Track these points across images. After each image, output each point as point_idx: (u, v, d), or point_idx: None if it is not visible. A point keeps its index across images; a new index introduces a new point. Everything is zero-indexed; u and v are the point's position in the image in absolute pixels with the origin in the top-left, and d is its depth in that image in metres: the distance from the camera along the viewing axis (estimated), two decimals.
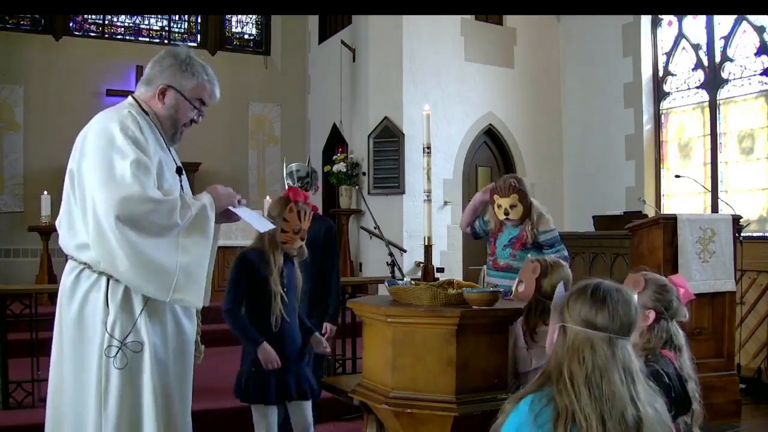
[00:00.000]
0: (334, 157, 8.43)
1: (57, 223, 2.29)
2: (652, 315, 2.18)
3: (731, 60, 6.89)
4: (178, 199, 2.11)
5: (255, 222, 2.43)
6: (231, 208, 2.30)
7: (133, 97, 2.33)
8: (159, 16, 10.03)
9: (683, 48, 7.45)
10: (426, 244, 2.54)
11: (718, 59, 7.02)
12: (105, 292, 2.11)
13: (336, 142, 9.22)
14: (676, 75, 7.55)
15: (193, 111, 2.33)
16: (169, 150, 2.35)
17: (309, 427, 3.08)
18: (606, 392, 1.59)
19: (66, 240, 2.22)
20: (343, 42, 8.51)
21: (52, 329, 2.23)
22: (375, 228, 5.33)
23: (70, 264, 2.21)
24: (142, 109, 2.27)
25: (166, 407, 2.16)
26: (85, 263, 2.15)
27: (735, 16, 6.79)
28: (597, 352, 1.63)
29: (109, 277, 2.12)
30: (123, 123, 2.13)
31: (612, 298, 1.67)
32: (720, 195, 6.84)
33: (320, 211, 3.53)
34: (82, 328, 2.12)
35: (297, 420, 3.09)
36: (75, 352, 2.13)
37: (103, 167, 2.05)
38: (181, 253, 2.10)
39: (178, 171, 2.33)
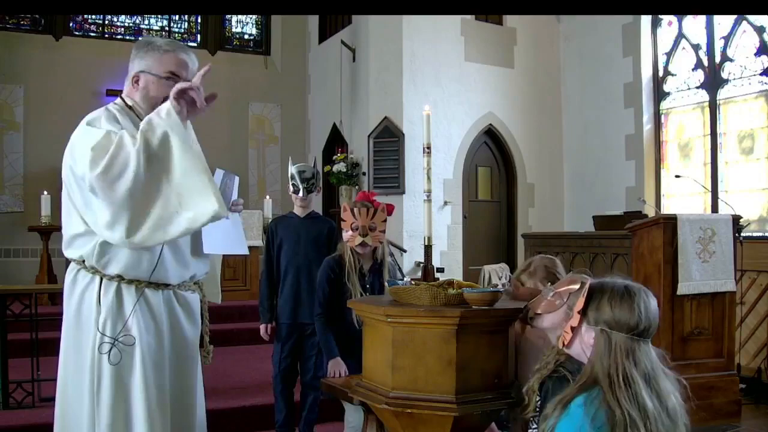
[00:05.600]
0: (334, 157, 8.43)
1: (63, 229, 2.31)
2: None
3: (731, 60, 6.89)
4: (125, 133, 2.04)
5: (233, 241, 2.39)
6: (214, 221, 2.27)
7: (120, 97, 2.35)
8: (159, 16, 10.04)
9: (683, 48, 7.45)
10: (426, 244, 2.54)
11: (718, 59, 7.02)
12: (98, 291, 2.13)
13: (336, 142, 9.23)
14: (676, 75, 7.55)
15: (168, 85, 2.20)
16: None
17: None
18: (658, 390, 1.67)
19: (68, 242, 2.23)
20: (343, 42, 8.52)
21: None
22: None
23: (70, 265, 2.24)
24: (126, 105, 2.29)
25: (161, 407, 2.15)
26: (77, 260, 2.17)
27: (735, 16, 6.79)
28: (647, 355, 1.71)
29: (102, 277, 2.13)
30: (94, 120, 2.16)
31: (651, 306, 1.75)
32: (720, 195, 6.84)
33: (320, 212, 3.58)
34: (79, 327, 2.15)
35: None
36: (73, 350, 2.16)
37: (79, 151, 2.08)
38: (160, 175, 2.01)
39: None
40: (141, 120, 2.24)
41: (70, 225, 2.19)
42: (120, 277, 2.15)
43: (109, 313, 2.11)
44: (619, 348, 1.70)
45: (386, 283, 2.81)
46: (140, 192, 1.98)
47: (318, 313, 3.16)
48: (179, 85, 2.07)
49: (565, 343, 1.86)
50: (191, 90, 2.07)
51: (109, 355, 2.07)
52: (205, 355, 2.42)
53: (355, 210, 3.06)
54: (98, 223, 2.06)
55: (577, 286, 2.18)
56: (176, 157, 2.01)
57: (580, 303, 1.81)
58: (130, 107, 2.29)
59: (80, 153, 2.06)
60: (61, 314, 2.25)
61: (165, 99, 2.23)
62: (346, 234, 3.09)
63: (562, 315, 2.22)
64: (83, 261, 2.17)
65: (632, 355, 1.70)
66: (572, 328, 1.83)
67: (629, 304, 1.73)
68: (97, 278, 2.14)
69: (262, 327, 3.85)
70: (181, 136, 2.03)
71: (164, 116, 2.04)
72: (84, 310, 2.15)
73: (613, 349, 1.70)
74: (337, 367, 3.01)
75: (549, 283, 2.58)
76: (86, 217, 2.12)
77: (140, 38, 2.38)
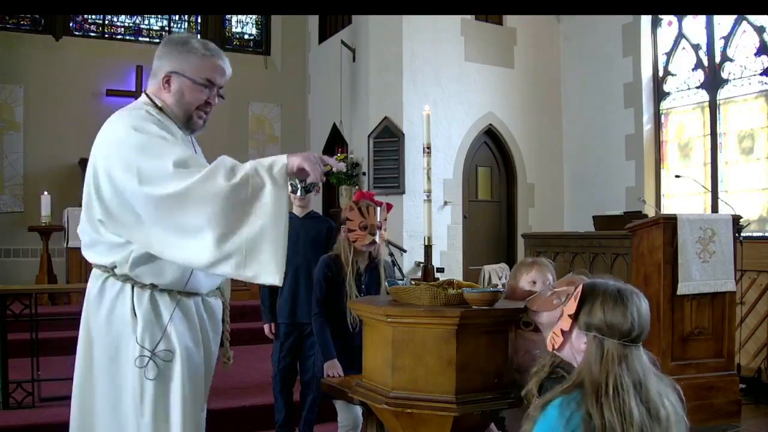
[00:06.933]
0: (334, 157, 8.43)
1: (79, 230, 2.15)
2: None
3: (731, 60, 6.90)
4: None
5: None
6: None
7: (146, 94, 2.20)
8: (159, 16, 10.03)
9: (683, 48, 7.46)
10: (426, 244, 2.54)
11: (718, 59, 7.02)
12: (131, 300, 2.02)
13: (336, 142, 9.23)
14: (676, 75, 7.55)
15: (203, 92, 2.16)
16: (193, 144, 2.24)
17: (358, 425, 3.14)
18: (648, 398, 1.64)
19: (89, 245, 2.09)
20: (343, 42, 8.51)
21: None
22: None
23: (94, 272, 2.11)
24: (156, 105, 2.14)
25: (194, 415, 2.07)
26: (105, 266, 2.05)
27: (735, 16, 6.79)
28: (638, 361, 1.67)
29: (133, 284, 2.03)
30: (141, 125, 2.00)
31: (644, 310, 1.71)
32: (720, 195, 6.84)
33: (320, 212, 3.59)
34: (110, 338, 2.04)
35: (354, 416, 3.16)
36: (106, 364, 2.04)
37: (138, 161, 1.93)
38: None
39: None
40: (176, 123, 2.15)
41: (93, 228, 2.05)
42: (153, 285, 2.05)
43: (147, 323, 2.01)
44: (611, 355, 1.66)
45: (386, 283, 2.79)
46: (215, 224, 1.88)
47: (315, 313, 3.14)
48: (324, 159, 2.04)
49: (556, 346, 1.82)
50: (322, 165, 2.03)
51: (146, 369, 1.98)
52: (226, 361, 2.33)
53: (363, 209, 3.04)
54: (137, 240, 1.97)
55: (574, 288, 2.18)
56: (263, 214, 1.92)
57: (571, 306, 1.76)
58: (159, 108, 2.14)
59: (144, 165, 1.91)
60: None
61: (199, 106, 2.17)
62: (353, 233, 3.05)
63: (558, 314, 2.23)
64: (112, 268, 2.05)
65: (624, 361, 1.66)
66: (563, 332, 1.78)
67: (622, 310, 1.69)
68: (128, 286, 2.03)
69: (266, 327, 3.86)
70: (278, 196, 1.94)
71: (273, 171, 1.95)
72: (116, 320, 2.03)
73: (605, 356, 1.66)
74: (333, 369, 3.00)
75: (552, 279, 2.59)
76: (114, 227, 2.00)
77: (172, 34, 2.27)
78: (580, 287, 1.78)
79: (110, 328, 2.04)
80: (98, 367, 2.05)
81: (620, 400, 1.60)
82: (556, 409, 1.64)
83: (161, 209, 1.90)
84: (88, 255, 2.11)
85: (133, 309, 2.02)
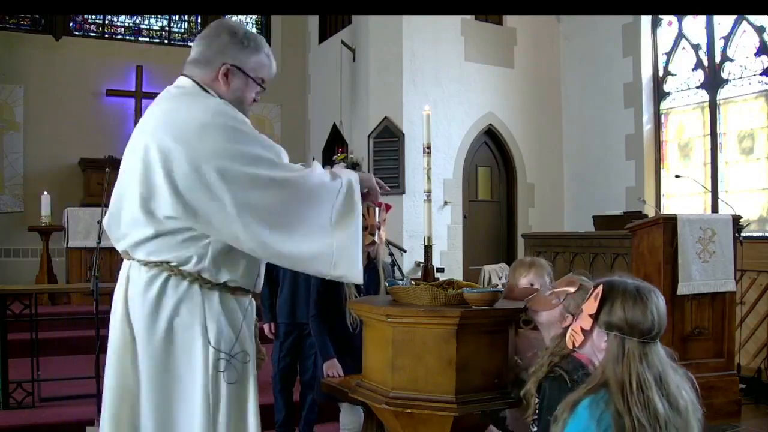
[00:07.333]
0: (334, 157, 8.44)
1: (106, 224, 2.01)
2: (570, 319, 2.16)
3: (731, 60, 6.89)
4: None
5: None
6: None
7: (195, 81, 2.01)
8: (159, 16, 10.04)
9: (683, 48, 7.46)
10: (426, 244, 2.54)
11: (718, 59, 7.02)
12: (201, 302, 1.89)
13: (336, 142, 9.23)
14: (676, 75, 7.55)
15: (256, 89, 2.08)
16: None
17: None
18: (668, 390, 1.68)
19: (142, 241, 1.91)
20: (343, 42, 8.51)
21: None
22: None
23: (145, 273, 1.90)
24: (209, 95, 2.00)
25: (257, 416, 2.00)
26: (168, 264, 1.89)
27: (735, 16, 6.79)
28: (657, 357, 1.71)
29: (201, 284, 1.89)
30: (236, 118, 1.91)
31: (661, 306, 1.75)
32: (720, 195, 6.84)
33: None
34: (174, 344, 1.88)
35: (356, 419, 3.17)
36: (170, 370, 1.89)
37: (236, 151, 1.85)
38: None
39: None
40: None
41: (152, 222, 1.87)
42: (224, 284, 1.93)
43: (221, 325, 1.90)
44: (632, 353, 1.69)
45: (386, 283, 2.81)
46: (321, 221, 1.93)
47: (313, 314, 3.16)
48: (379, 183, 2.18)
49: (576, 344, 1.84)
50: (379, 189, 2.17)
51: (225, 373, 1.88)
52: (262, 358, 2.30)
53: (363, 209, 3.04)
54: (220, 232, 1.86)
55: (573, 288, 2.19)
56: (356, 216, 2.01)
57: (591, 305, 1.79)
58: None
59: (252, 151, 1.85)
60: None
61: (249, 103, 2.12)
62: None
63: (557, 314, 2.23)
64: (178, 265, 1.88)
65: (645, 359, 1.69)
66: (583, 331, 1.81)
67: (642, 309, 1.72)
68: (196, 286, 1.89)
69: (265, 326, 3.87)
70: (358, 207, 2.04)
71: (359, 181, 2.07)
72: (180, 324, 1.88)
73: (627, 355, 1.70)
74: (332, 369, 3.02)
75: (548, 281, 2.59)
76: (191, 221, 1.85)
77: (226, 21, 2.10)
78: (600, 287, 1.81)
79: (172, 334, 1.88)
80: (148, 373, 1.89)
81: (645, 396, 1.64)
82: (586, 410, 1.67)
83: (264, 195, 1.85)
84: (139, 253, 1.92)
85: (203, 311, 1.90)
